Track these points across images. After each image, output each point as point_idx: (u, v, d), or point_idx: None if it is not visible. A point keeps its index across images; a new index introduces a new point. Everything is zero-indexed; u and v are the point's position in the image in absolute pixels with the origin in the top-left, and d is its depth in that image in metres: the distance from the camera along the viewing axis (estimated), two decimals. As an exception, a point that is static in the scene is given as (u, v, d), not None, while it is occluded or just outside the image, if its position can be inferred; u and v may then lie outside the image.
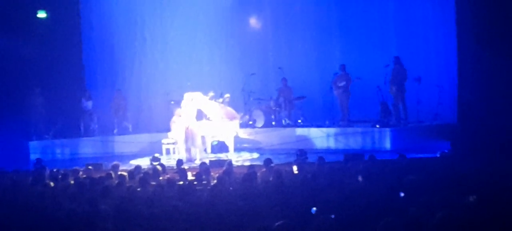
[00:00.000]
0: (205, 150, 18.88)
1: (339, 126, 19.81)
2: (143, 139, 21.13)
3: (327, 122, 20.33)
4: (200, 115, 19.40)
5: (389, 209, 7.06)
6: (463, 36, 16.68)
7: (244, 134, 20.40)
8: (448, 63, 19.14)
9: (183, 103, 18.91)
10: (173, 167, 15.51)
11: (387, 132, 18.54)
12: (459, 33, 16.84)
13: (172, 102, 20.28)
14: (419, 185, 9.15)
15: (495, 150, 14.63)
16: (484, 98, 16.05)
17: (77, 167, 14.95)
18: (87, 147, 20.88)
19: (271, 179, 11.50)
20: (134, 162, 17.36)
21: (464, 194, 7.73)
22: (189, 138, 18.21)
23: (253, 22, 23.12)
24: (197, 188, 11.32)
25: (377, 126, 18.88)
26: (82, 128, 21.54)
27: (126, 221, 7.39)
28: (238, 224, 6.70)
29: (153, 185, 11.61)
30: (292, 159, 15.85)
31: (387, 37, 21.20)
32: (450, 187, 8.81)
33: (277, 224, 5.64)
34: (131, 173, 13.25)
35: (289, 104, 21.07)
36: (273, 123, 21.04)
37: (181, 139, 18.52)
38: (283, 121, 20.97)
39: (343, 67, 19.97)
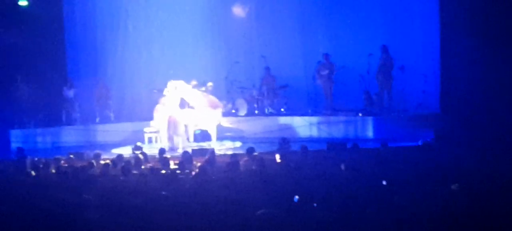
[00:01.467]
0: (187, 139, 18.84)
1: (322, 115, 19.82)
2: (126, 127, 21.03)
3: (309, 111, 20.34)
4: (182, 104, 19.34)
5: (372, 198, 7.08)
6: (446, 25, 16.79)
7: (226, 122, 20.35)
8: (433, 52, 19.18)
9: (165, 91, 18.85)
10: (155, 155, 15.48)
11: (370, 121, 18.58)
12: (442, 22, 16.91)
13: (155, 91, 20.18)
14: (401, 174, 9.19)
15: (477, 139, 14.71)
16: (467, 87, 16.14)
17: (59, 156, 14.87)
18: (69, 136, 20.76)
19: (253, 167, 11.51)
20: (116, 151, 17.29)
21: (447, 183, 7.77)
22: (171, 127, 18.16)
23: (237, 10, 23.02)
24: (180, 177, 11.31)
25: (360, 115, 18.91)
26: (64, 117, 21.41)
27: (110, 210, 7.36)
28: (221, 213, 6.69)
29: (136, 174, 11.58)
30: (275, 147, 15.85)
31: (372, 26, 21.15)
32: (432, 176, 8.85)
33: (259, 212, 5.63)
34: (114, 162, 13.21)
35: (272, 93, 21.04)
36: (256, 112, 21.03)
37: (163, 127, 18.48)
38: (266, 110, 20.96)
39: (326, 56, 19.97)
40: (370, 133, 18.41)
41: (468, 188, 7.34)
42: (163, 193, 8.65)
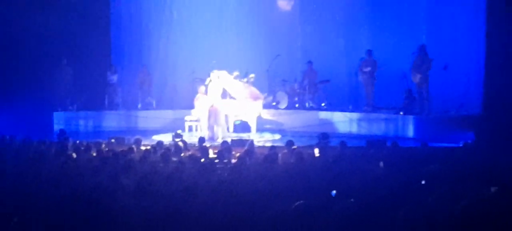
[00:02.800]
0: (227, 129, 18.91)
1: (363, 111, 19.74)
2: (167, 115, 21.21)
3: (350, 107, 20.27)
4: (224, 94, 19.44)
5: (409, 198, 7.04)
6: (492, 25, 16.53)
7: (267, 114, 20.41)
8: (477, 53, 18.95)
9: (208, 81, 18.94)
10: (195, 144, 15.57)
11: (411, 120, 18.45)
12: (488, 23, 16.68)
13: (197, 79, 20.31)
14: (440, 175, 9.11)
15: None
16: (511, 89, 15.90)
17: (100, 140, 15.06)
18: (111, 120, 21.02)
19: (292, 161, 11.51)
20: (157, 138, 17.45)
21: (486, 185, 7.68)
22: (212, 116, 18.24)
23: (282, 3, 23.03)
24: (218, 166, 11.37)
25: (401, 113, 18.78)
26: (106, 101, 21.67)
27: (147, 197, 7.43)
28: (257, 204, 6.71)
29: (175, 161, 11.67)
30: (314, 142, 15.82)
31: (416, 24, 21.01)
32: (472, 177, 8.76)
33: (296, 204, 5.63)
34: (154, 148, 13.33)
35: (314, 87, 21.03)
36: (297, 105, 21.03)
37: (204, 116, 18.57)
38: (307, 104, 20.94)
39: (369, 52, 19.86)
40: (410, 132, 18.28)
41: (508, 191, 7.25)
42: (198, 181, 8.72)
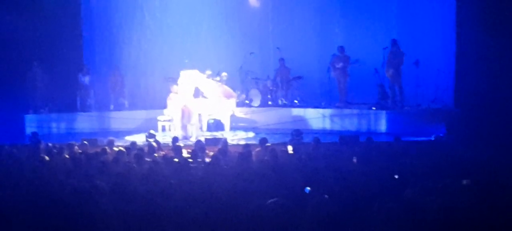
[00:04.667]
0: (201, 128, 18.90)
1: (335, 107, 19.82)
2: (139, 115, 21.12)
3: (323, 103, 20.34)
4: (197, 93, 19.41)
5: (384, 192, 7.10)
6: (462, 20, 16.72)
7: (240, 113, 20.40)
8: (448, 47, 19.12)
9: (179, 80, 18.91)
10: (168, 144, 15.55)
11: (383, 115, 18.56)
12: (458, 17, 16.85)
13: (169, 79, 20.26)
14: (414, 168, 9.20)
15: (490, 135, 14.69)
16: (481, 83, 16.08)
17: (72, 142, 14.96)
18: (83, 122, 20.89)
19: (266, 158, 11.54)
20: (130, 138, 17.39)
21: (458, 178, 7.77)
22: (185, 116, 18.21)
23: (253, 1, 23.04)
24: (192, 165, 11.36)
25: (373, 108, 18.90)
26: (78, 103, 21.53)
27: (122, 197, 7.42)
28: (232, 202, 6.73)
29: (148, 161, 11.64)
30: (287, 139, 15.88)
31: (387, 19, 21.17)
32: (444, 171, 8.86)
33: (270, 201, 5.66)
34: (127, 149, 13.29)
35: (286, 84, 21.08)
36: (270, 103, 21.06)
37: (177, 116, 18.53)
38: (280, 101, 20.98)
39: (341, 49, 19.92)
40: (383, 127, 18.39)
41: (478, 183, 7.34)
42: (172, 181, 8.72)
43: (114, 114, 21.26)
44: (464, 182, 7.51)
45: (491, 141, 13.88)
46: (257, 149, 13.07)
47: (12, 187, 8.99)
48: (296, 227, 5.10)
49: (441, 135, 16.33)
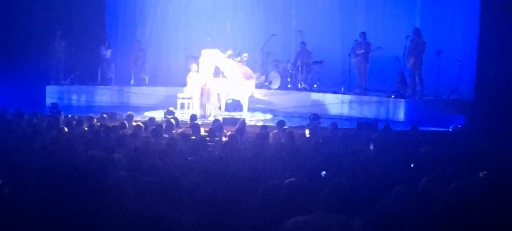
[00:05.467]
0: (219, 108, 18.95)
1: (354, 93, 19.78)
2: (159, 91, 21.23)
3: (342, 89, 20.31)
4: (217, 72, 19.46)
5: (400, 179, 7.11)
6: (485, 12, 16.57)
7: (259, 94, 20.45)
8: (471, 38, 18.99)
9: (200, 59, 18.96)
10: (186, 121, 15.62)
11: (402, 103, 18.50)
12: (482, 8, 16.72)
13: (190, 56, 20.32)
14: (430, 158, 9.18)
15: (509, 128, 14.60)
16: (503, 76, 15.97)
17: (92, 114, 15.07)
18: (103, 95, 21.03)
19: (283, 140, 11.57)
20: (149, 114, 17.47)
21: (475, 170, 7.75)
22: (204, 94, 18.27)
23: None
24: (209, 144, 11.42)
25: (393, 96, 18.84)
26: (99, 76, 21.66)
27: (139, 170, 7.48)
28: (248, 181, 6.77)
29: (166, 137, 11.71)
30: (305, 122, 15.89)
31: (411, 7, 21.06)
32: (461, 162, 8.83)
33: (286, 181, 5.68)
34: (145, 124, 13.36)
35: (307, 68, 21.04)
36: (289, 86, 21.06)
37: (196, 94, 18.60)
38: (299, 84, 20.98)
39: (363, 35, 19.85)
40: (401, 115, 18.34)
41: (495, 175, 7.32)
42: (190, 158, 8.77)
43: (134, 89, 21.37)
44: (481, 174, 7.50)
45: (510, 133, 13.81)
46: (274, 131, 13.09)
47: (32, 154, 9.09)
48: (311, 207, 5.12)
49: (459, 126, 16.26)
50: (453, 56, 19.23)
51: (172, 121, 14.17)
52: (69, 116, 15.12)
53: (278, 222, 5.00)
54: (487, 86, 16.41)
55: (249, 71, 19.80)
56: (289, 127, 13.96)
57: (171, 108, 17.84)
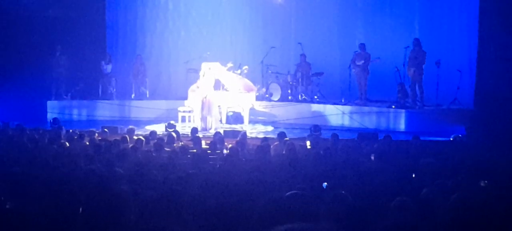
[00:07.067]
0: (220, 120, 18.97)
1: (355, 104, 19.80)
2: (160, 105, 21.25)
3: (343, 100, 20.34)
4: (217, 85, 19.49)
5: (401, 190, 7.12)
6: (484, 22, 16.63)
7: (260, 106, 20.47)
8: (470, 49, 19.04)
9: (201, 72, 19.00)
10: (187, 134, 15.64)
11: (402, 113, 18.53)
12: (481, 18, 16.78)
13: (190, 70, 20.37)
14: (432, 168, 9.19)
15: (509, 137, 14.62)
16: (502, 86, 16.01)
17: (93, 129, 15.11)
18: (104, 110, 21.05)
19: (284, 152, 11.58)
20: (150, 128, 17.49)
21: (476, 179, 7.77)
22: (205, 107, 18.28)
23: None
24: (211, 156, 11.43)
25: (393, 107, 18.87)
26: (100, 91, 21.70)
27: (141, 184, 7.50)
28: (249, 193, 6.77)
29: (167, 151, 11.74)
30: (306, 134, 15.91)
31: (409, 18, 21.11)
32: (462, 172, 8.85)
33: (288, 193, 5.68)
34: (147, 138, 13.39)
35: (307, 80, 21.07)
36: (290, 97, 21.09)
37: (197, 107, 18.61)
38: (300, 96, 21.00)
39: (362, 46, 19.91)
40: (402, 126, 18.37)
41: (496, 184, 7.34)
42: (191, 171, 8.78)
43: (135, 103, 21.40)
44: (482, 183, 7.51)
45: (510, 142, 13.82)
46: (276, 143, 13.12)
47: (34, 168, 9.10)
48: (312, 219, 5.12)
49: (460, 135, 16.28)
50: (453, 66, 19.27)
51: (173, 134, 14.20)
52: (70, 130, 15.15)
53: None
54: (486, 95, 16.45)
55: (249, 83, 19.84)
56: (290, 138, 13.99)
57: (172, 122, 17.85)
